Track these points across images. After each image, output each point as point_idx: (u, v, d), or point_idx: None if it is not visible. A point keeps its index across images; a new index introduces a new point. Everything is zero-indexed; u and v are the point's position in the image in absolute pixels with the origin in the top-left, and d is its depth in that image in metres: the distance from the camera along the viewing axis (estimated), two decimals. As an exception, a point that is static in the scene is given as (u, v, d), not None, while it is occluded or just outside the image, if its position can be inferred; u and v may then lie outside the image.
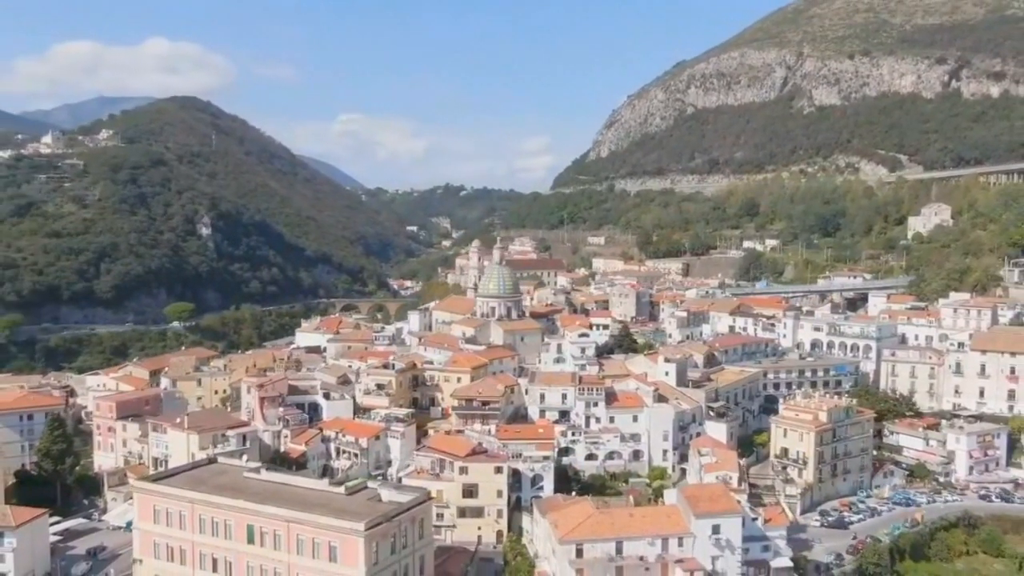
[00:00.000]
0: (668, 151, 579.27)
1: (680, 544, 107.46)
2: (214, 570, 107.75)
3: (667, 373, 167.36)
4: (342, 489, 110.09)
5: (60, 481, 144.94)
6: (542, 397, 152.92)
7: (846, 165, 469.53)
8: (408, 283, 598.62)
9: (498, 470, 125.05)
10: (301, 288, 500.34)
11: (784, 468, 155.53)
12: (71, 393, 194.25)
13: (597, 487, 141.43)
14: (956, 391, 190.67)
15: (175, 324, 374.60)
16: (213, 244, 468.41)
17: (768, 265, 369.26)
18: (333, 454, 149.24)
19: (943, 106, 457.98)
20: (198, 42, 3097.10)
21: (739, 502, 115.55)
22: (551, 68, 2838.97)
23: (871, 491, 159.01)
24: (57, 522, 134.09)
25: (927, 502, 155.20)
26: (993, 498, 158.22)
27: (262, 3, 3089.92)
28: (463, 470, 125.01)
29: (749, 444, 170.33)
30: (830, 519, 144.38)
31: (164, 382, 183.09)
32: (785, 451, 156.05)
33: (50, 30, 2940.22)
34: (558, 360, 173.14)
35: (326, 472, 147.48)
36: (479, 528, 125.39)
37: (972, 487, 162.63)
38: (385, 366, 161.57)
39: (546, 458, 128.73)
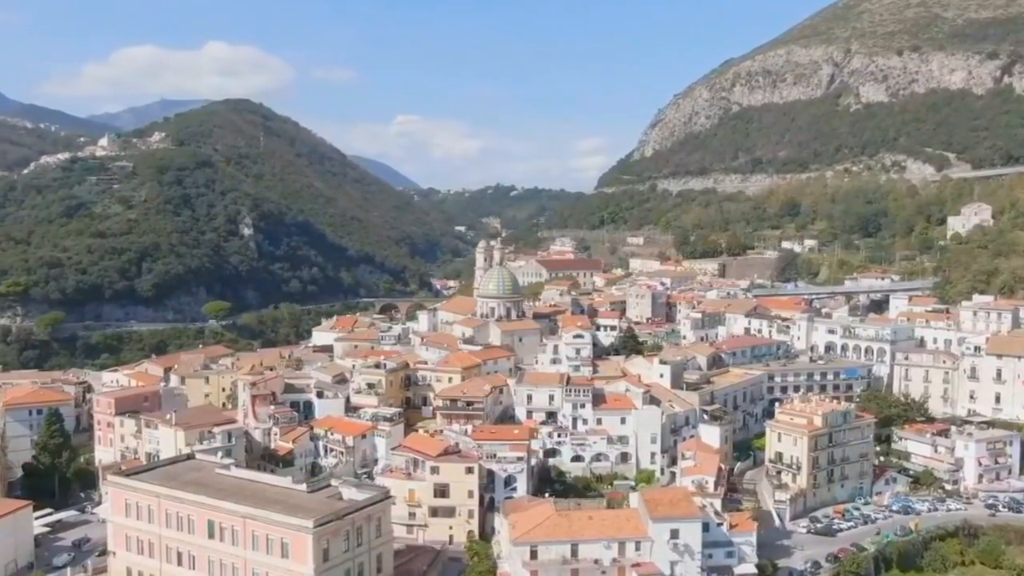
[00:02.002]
0: (711, 150, 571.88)
1: (637, 548, 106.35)
2: (179, 564, 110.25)
3: (662, 375, 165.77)
4: (303, 486, 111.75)
5: (57, 474, 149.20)
6: (529, 398, 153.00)
7: (892, 164, 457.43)
8: (451, 283, 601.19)
9: (469, 470, 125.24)
10: (341, 288, 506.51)
11: (778, 473, 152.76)
12: (88, 389, 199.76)
13: (580, 489, 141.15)
14: (971, 396, 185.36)
15: (211, 322, 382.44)
16: (254, 244, 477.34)
17: (803, 266, 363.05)
18: (321, 452, 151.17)
19: (994, 102, 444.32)
20: (257, 45, 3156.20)
21: (704, 507, 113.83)
22: (607, 68, 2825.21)
23: (870, 498, 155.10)
24: (48, 514, 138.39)
25: (928, 510, 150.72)
26: (1000, 507, 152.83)
27: (320, 7, 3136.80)
28: (434, 470, 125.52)
29: (748, 448, 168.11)
30: (818, 526, 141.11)
31: (173, 379, 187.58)
32: (779, 455, 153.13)
33: (113, 35, 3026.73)
34: (554, 361, 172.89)
35: (315, 469, 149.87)
36: (450, 528, 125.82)
37: (980, 495, 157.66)
38: (377, 366, 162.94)
39: (520, 459, 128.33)
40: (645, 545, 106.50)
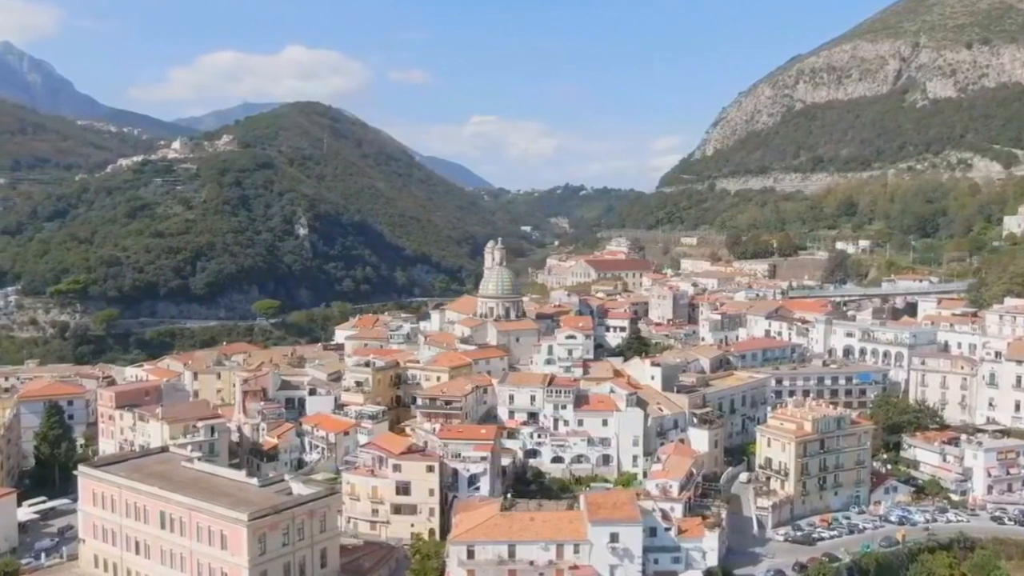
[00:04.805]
0: (772, 149, 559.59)
1: (576, 550, 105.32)
2: (137, 552, 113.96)
3: (653, 377, 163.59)
4: (255, 481, 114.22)
5: (57, 464, 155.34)
6: (511, 398, 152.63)
7: (958, 161, 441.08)
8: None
9: (430, 468, 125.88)
10: (395, 287, 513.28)
11: (768, 479, 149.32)
12: (112, 383, 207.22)
13: (556, 491, 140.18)
14: (990, 404, 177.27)
15: (260, 319, 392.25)
16: (309, 244, 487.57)
17: (853, 267, 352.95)
18: (307, 448, 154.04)
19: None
20: (334, 49, 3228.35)
21: (653, 510, 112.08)
22: (684, 66, 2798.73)
23: (866, 507, 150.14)
24: (42, 501, 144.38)
25: (926, 521, 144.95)
26: (1006, 520, 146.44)
27: (395, 10, 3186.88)
28: (396, 467, 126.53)
29: (743, 452, 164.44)
30: (798, 534, 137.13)
31: (186, 375, 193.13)
32: (769, 461, 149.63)
33: (197, 41, 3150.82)
34: (549, 361, 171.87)
35: (300, 465, 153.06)
36: (412, 525, 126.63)
37: (989, 507, 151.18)
38: (366, 364, 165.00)
39: (484, 458, 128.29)
40: (584, 548, 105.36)
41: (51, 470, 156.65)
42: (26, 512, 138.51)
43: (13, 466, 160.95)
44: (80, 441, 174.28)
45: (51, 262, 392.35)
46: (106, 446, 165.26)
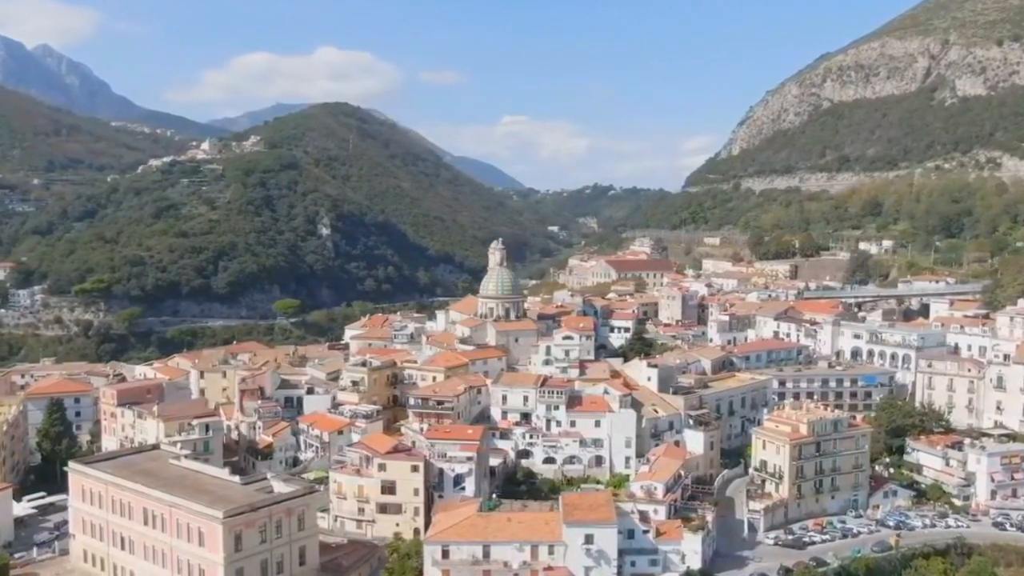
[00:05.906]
0: (798, 148, 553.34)
1: (551, 552, 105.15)
2: (122, 548, 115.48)
3: (649, 378, 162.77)
4: (238, 479, 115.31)
5: (58, 460, 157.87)
6: (504, 398, 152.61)
7: (986, 160, 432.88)
8: (532, 281, 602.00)
9: (414, 468, 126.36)
10: (416, 286, 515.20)
11: (763, 482, 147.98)
12: (122, 380, 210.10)
13: (546, 491, 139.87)
14: (998, 407, 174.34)
15: (280, 319, 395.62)
16: (331, 244, 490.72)
17: (874, 268, 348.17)
18: (302, 446, 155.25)
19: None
20: (366, 50, 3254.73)
21: (631, 512, 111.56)
22: (717, 65, 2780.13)
23: (864, 511, 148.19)
24: (41, 497, 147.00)
25: (923, 526, 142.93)
26: (1008, 526, 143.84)
27: (426, 11, 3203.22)
28: (382, 467, 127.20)
29: (740, 455, 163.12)
30: (789, 538, 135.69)
31: (192, 373, 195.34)
32: (764, 464, 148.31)
33: (231, 43, 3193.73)
34: (547, 362, 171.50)
35: (295, 463, 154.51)
36: (397, 524, 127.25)
37: (992, 513, 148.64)
38: (363, 364, 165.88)
39: (469, 459, 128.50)
40: (559, 549, 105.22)
41: (54, 466, 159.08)
42: (24, 507, 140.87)
43: (19, 462, 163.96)
44: (87, 438, 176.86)
45: (76, 261, 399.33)
46: (108, 443, 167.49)
